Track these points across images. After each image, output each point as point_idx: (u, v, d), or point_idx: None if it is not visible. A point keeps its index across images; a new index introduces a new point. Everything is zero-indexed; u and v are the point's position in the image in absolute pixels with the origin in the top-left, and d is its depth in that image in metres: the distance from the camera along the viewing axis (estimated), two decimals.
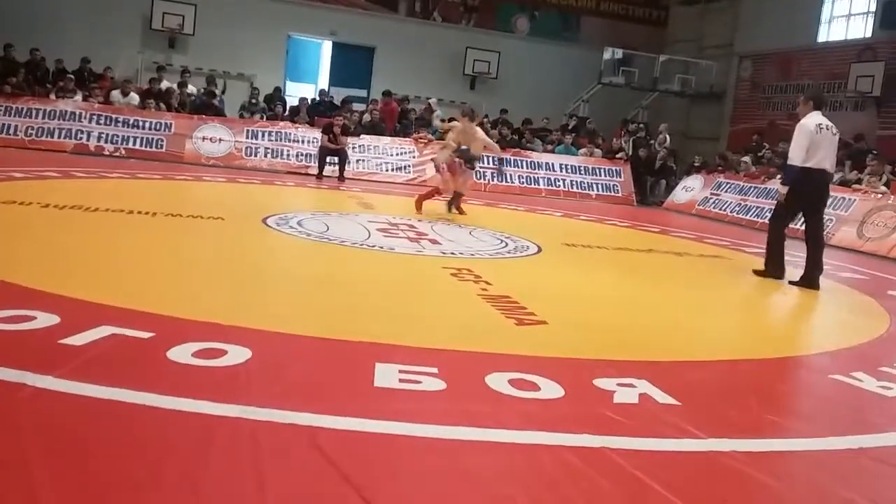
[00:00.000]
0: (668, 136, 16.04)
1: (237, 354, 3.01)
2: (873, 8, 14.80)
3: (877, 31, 14.52)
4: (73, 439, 2.19)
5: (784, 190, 6.60)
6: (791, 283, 6.56)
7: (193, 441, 2.25)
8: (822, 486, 2.45)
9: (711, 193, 13.97)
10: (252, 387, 2.71)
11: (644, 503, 2.17)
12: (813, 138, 6.39)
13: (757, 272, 6.90)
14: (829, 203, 10.96)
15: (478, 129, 9.12)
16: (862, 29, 15.18)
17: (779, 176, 6.58)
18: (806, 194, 6.54)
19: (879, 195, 10.88)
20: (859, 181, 11.68)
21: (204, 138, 13.11)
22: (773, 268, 6.78)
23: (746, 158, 14.33)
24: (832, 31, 15.92)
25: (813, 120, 6.48)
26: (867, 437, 2.92)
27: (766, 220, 12.00)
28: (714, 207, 13.60)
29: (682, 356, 3.87)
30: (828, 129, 6.49)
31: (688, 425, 2.78)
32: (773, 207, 6.93)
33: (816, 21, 16.04)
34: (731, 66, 18.18)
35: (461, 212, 9.07)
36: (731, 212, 13.13)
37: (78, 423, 2.29)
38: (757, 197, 12.83)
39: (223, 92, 14.94)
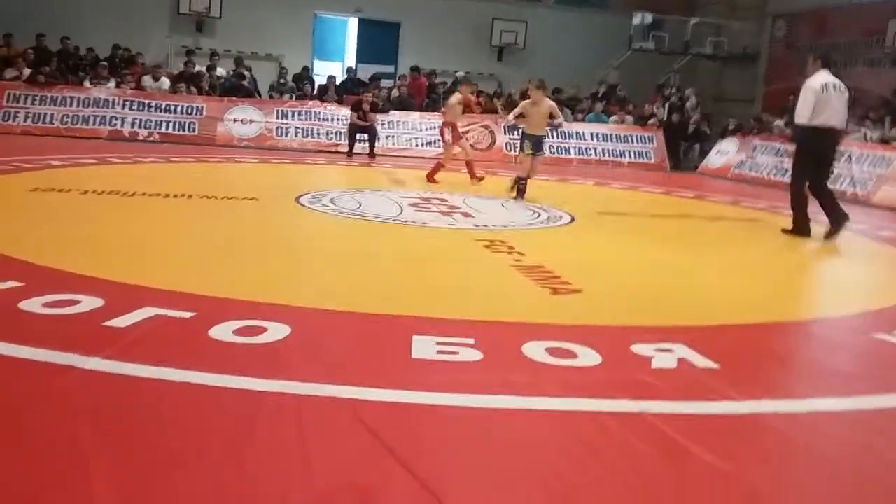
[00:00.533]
0: (696, 100, 15.75)
1: (277, 331, 3.06)
2: None
3: None
4: (120, 418, 2.26)
5: (792, 148, 6.88)
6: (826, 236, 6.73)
7: (238, 417, 2.31)
8: (865, 446, 2.43)
9: (747, 156, 13.71)
10: (293, 362, 2.76)
11: (685, 466, 2.18)
12: (819, 97, 6.52)
13: (785, 231, 6.97)
14: (869, 160, 10.81)
15: (546, 99, 8.61)
16: None
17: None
18: (814, 151, 6.68)
19: None
20: None
21: (235, 120, 13.21)
22: (800, 226, 6.88)
23: (779, 122, 14.02)
24: None
25: (819, 79, 6.61)
26: None
27: None
28: (750, 170, 13.34)
29: (720, 320, 3.84)
30: (835, 87, 6.60)
31: (727, 388, 2.77)
32: (791, 167, 7.07)
33: None
34: (764, 27, 17.70)
35: (475, 177, 9.40)
36: (767, 174, 12.88)
37: (125, 403, 2.36)
38: None
39: (250, 73, 15.00)
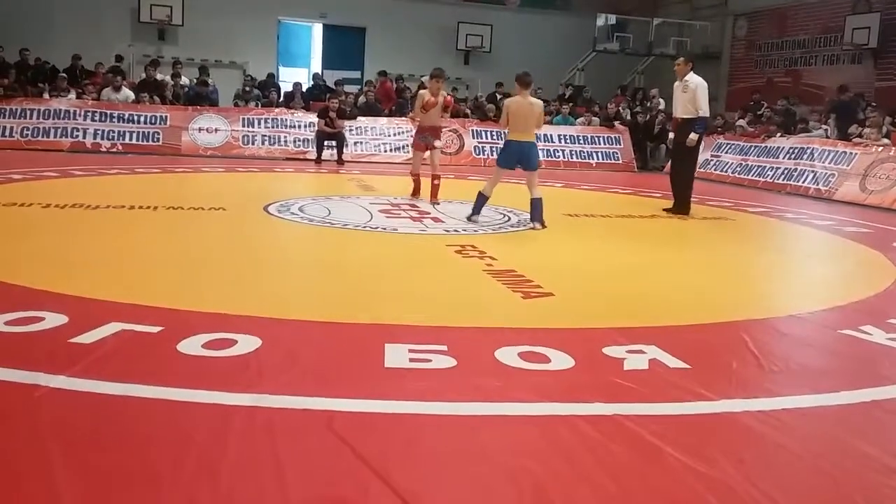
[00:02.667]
0: (661, 101, 15.93)
1: (247, 343, 3.02)
2: None
3: None
4: (89, 436, 2.21)
5: (696, 137, 7.85)
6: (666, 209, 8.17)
7: (210, 431, 2.27)
8: (838, 441, 2.46)
9: (712, 155, 13.87)
10: (264, 375, 2.73)
11: (660, 467, 2.19)
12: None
13: (667, 210, 8.18)
14: (831, 157, 11.14)
15: (535, 100, 6.84)
16: None
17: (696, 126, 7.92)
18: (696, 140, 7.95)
19: (880, 147, 10.81)
20: (860, 135, 11.60)
21: (200, 129, 13.06)
22: (687, 205, 8.14)
23: (741, 122, 14.26)
24: None
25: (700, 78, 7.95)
26: (879, 389, 2.93)
27: (768, 179, 12.05)
28: (715, 169, 13.52)
29: (690, 320, 3.88)
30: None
31: (699, 388, 2.79)
32: (690, 155, 8.13)
33: None
34: (725, 26, 17.99)
35: (434, 197, 7.87)
36: (732, 172, 13.07)
37: (93, 421, 2.31)
38: (758, 156, 12.76)
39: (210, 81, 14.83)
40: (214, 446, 2.16)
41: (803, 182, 11.36)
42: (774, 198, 10.75)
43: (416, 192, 8.28)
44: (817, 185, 11.17)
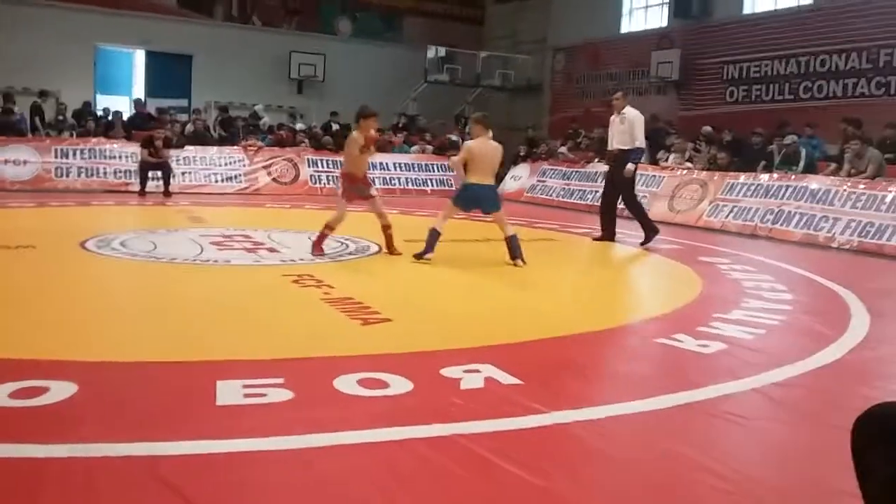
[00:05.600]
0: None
1: (61, 390, 2.78)
2: None
3: (672, 20, 15.77)
4: None
5: (632, 168, 8.14)
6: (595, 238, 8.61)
7: (19, 488, 2.06)
8: (652, 442, 2.64)
9: (538, 180, 14.62)
10: (81, 422, 2.52)
11: (496, 483, 2.24)
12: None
13: (644, 244, 8.29)
14: (641, 181, 12.05)
15: (495, 143, 6.46)
16: (659, 18, 16.43)
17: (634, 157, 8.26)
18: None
19: (685, 171, 11.86)
20: (667, 160, 12.65)
21: (6, 161, 11.99)
22: (650, 229, 8.34)
23: (563, 149, 15.16)
24: (633, 21, 17.11)
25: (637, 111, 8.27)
26: (691, 392, 3.17)
27: (589, 202, 12.84)
28: (541, 193, 14.24)
29: (522, 337, 4.02)
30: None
31: (532, 402, 2.90)
32: (624, 183, 8.33)
33: (619, 13, 17.19)
34: (545, 60, 19.09)
35: (392, 249, 6.79)
36: (557, 196, 13.82)
37: None
38: (579, 181, 13.58)
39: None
40: None
41: (621, 203, 12.18)
42: (595, 219, 11.44)
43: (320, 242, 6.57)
44: None
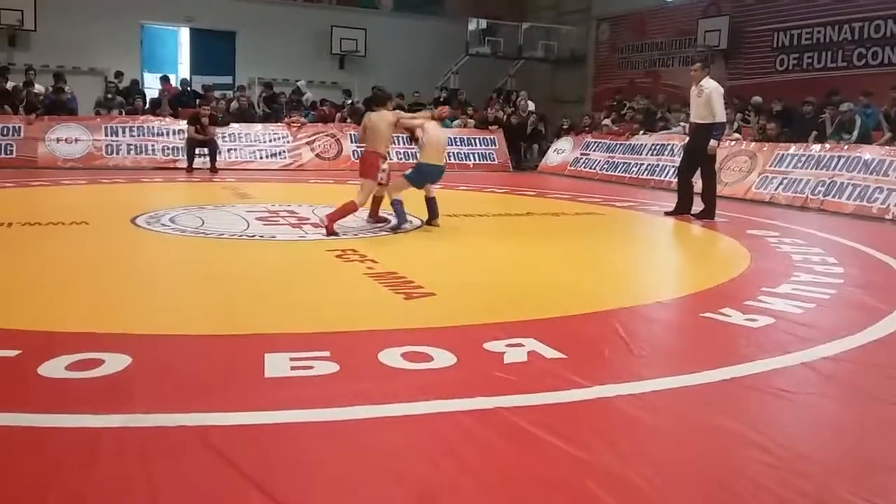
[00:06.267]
0: (529, 102, 16.45)
1: (116, 362, 2.87)
2: None
3: None
4: None
5: (715, 145, 7.92)
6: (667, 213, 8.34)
7: (76, 457, 2.14)
8: (703, 419, 2.62)
9: (581, 153, 14.45)
10: (135, 394, 2.60)
11: (540, 456, 2.25)
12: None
13: (668, 213, 8.33)
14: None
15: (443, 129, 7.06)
16: None
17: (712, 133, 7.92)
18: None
19: (732, 142, 11.59)
20: None
21: (58, 139, 12.32)
22: (709, 211, 8.08)
23: (607, 121, 14.95)
24: None
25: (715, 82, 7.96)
26: (737, 367, 3.13)
27: (633, 175, 12.68)
28: (585, 167, 14.08)
29: (566, 311, 4.01)
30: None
31: (575, 376, 2.90)
32: (703, 158, 8.06)
33: None
34: (589, 30, 18.77)
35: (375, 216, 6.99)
36: (600, 170, 13.65)
37: None
38: (623, 153, 13.39)
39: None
40: (81, 473, 2.04)
41: (665, 177, 12.00)
42: (640, 192, 11.31)
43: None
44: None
